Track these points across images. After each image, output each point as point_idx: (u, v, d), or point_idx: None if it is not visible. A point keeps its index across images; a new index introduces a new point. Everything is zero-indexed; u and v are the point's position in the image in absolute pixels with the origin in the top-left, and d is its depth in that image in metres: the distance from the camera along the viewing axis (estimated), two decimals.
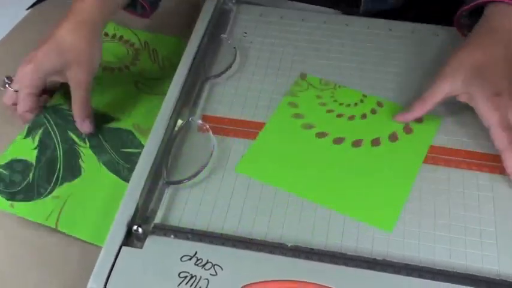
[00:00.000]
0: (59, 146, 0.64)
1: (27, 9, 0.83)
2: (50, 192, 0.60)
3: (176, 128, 0.63)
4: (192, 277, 0.51)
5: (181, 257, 0.52)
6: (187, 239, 0.54)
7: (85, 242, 0.57)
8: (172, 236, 0.54)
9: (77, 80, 0.63)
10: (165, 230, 0.54)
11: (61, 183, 0.61)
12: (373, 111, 0.65)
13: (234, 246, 0.53)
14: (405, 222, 0.56)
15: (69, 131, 0.66)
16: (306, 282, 0.51)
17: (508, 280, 0.51)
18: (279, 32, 0.75)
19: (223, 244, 0.53)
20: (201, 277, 0.51)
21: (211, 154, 0.60)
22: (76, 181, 0.62)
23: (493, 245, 0.54)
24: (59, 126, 0.66)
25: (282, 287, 0.51)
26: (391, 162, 0.60)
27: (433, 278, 0.51)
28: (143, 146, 0.60)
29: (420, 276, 0.51)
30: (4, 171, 0.61)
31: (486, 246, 0.54)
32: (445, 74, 0.61)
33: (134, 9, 0.74)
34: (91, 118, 0.65)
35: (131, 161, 0.64)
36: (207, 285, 0.50)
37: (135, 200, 0.55)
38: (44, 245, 0.58)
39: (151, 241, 0.53)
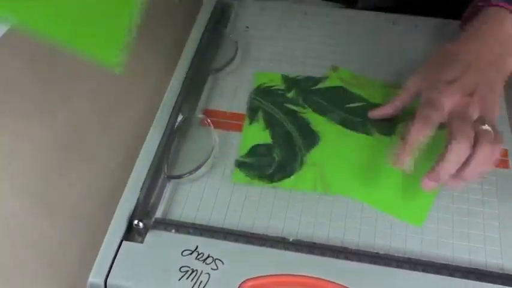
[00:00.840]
0: (285, 120, 0.64)
1: None
2: (303, 163, 0.60)
3: (177, 123, 0.63)
4: (193, 271, 0.50)
5: (182, 252, 0.52)
6: (188, 233, 0.53)
7: (86, 236, 0.57)
8: (173, 231, 0.53)
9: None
10: (166, 224, 0.54)
11: (307, 151, 0.61)
12: None
13: (235, 240, 0.53)
14: None
15: (284, 104, 0.66)
16: (307, 276, 0.51)
17: (511, 274, 0.50)
18: (280, 26, 0.75)
19: (224, 238, 0.53)
20: (202, 271, 0.50)
21: (213, 148, 0.60)
22: (320, 145, 0.62)
23: (496, 239, 0.53)
24: (273, 102, 0.66)
25: (284, 281, 0.50)
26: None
27: (436, 272, 0.51)
28: (363, 99, 0.64)
29: (423, 271, 0.51)
30: (252, 159, 0.61)
31: (489, 241, 0.53)
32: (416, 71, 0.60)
33: None
34: None
35: (360, 114, 0.64)
36: (208, 279, 0.50)
37: (135, 194, 0.55)
38: (44, 239, 0.57)
39: (152, 235, 0.53)
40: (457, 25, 0.69)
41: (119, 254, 0.52)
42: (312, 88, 0.67)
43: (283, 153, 0.61)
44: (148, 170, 0.57)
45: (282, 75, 0.69)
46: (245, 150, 0.61)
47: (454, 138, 0.51)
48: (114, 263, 0.51)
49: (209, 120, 0.62)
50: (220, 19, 0.76)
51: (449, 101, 0.54)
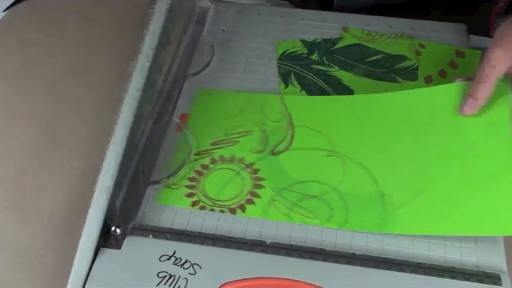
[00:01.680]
0: (317, 79, 0.65)
1: (4, 11, 0.82)
2: None
3: (154, 127, 0.63)
4: (171, 277, 0.50)
5: (160, 257, 0.52)
6: (166, 238, 0.53)
7: (63, 243, 0.57)
8: (150, 236, 0.53)
9: None
10: (143, 230, 0.54)
11: None
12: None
13: (213, 244, 0.53)
14: None
15: (311, 65, 0.69)
16: (286, 278, 0.51)
17: (486, 271, 0.51)
18: (256, 29, 0.75)
19: (202, 243, 0.53)
20: (179, 276, 0.51)
21: (190, 153, 0.60)
22: (352, 96, 0.65)
23: (471, 237, 0.54)
24: (300, 65, 0.69)
25: (262, 284, 0.51)
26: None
27: (412, 271, 0.51)
28: (380, 52, 0.69)
29: (400, 270, 0.51)
30: None
31: (464, 239, 0.54)
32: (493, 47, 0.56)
33: None
34: None
35: (382, 65, 0.68)
36: (186, 284, 0.50)
37: (106, 199, 0.53)
38: (20, 248, 0.57)
39: (129, 241, 0.53)
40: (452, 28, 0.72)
41: (97, 260, 0.52)
42: (332, 48, 0.71)
43: None
44: (126, 176, 0.57)
45: (301, 40, 0.72)
46: None
47: None
48: (92, 270, 0.51)
49: (186, 125, 0.62)
50: (196, 22, 0.76)
51: None
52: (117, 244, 0.53)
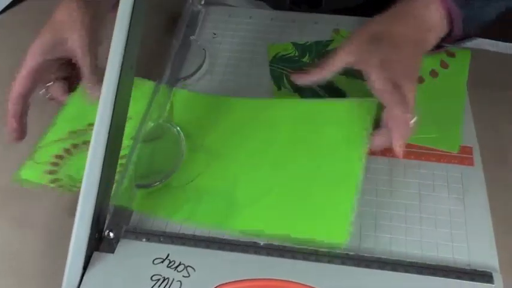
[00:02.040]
0: None
1: None
2: None
3: (147, 131, 0.63)
4: (164, 279, 0.51)
5: (154, 260, 0.52)
6: (160, 241, 0.53)
7: (56, 247, 0.57)
8: (144, 239, 0.54)
9: (75, 47, 0.62)
10: (136, 233, 0.54)
11: None
12: None
13: (206, 247, 0.53)
14: (376, 216, 0.56)
15: (303, 68, 0.70)
16: (280, 280, 0.51)
17: (478, 269, 0.51)
18: (248, 32, 0.75)
19: (195, 245, 0.53)
20: (173, 279, 0.51)
21: (182, 156, 0.60)
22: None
23: (463, 235, 0.54)
24: (292, 68, 0.70)
25: (256, 285, 0.51)
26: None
27: (405, 271, 0.51)
28: None
29: (393, 270, 0.52)
30: None
31: (456, 237, 0.54)
32: (343, 44, 0.61)
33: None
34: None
35: None
36: (180, 286, 0.50)
37: (90, 202, 0.51)
38: (14, 252, 0.57)
39: (123, 245, 0.53)
40: None
41: (90, 264, 0.52)
42: (323, 51, 0.72)
43: None
44: (120, 179, 0.57)
45: (293, 43, 0.73)
46: None
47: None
48: (86, 274, 0.51)
49: (178, 128, 0.62)
50: (187, 27, 0.76)
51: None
52: (111, 248, 0.53)
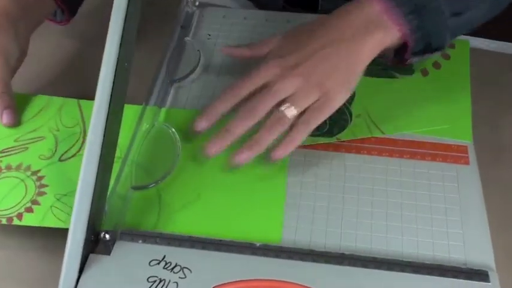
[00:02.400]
0: None
1: None
2: (351, 114, 0.64)
3: (142, 132, 0.63)
4: (161, 281, 0.50)
5: (150, 262, 0.52)
6: (156, 243, 0.53)
7: (53, 250, 0.56)
8: (140, 241, 0.53)
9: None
10: (132, 235, 0.54)
11: (349, 104, 0.65)
12: None
13: (202, 248, 0.53)
14: (372, 215, 0.56)
15: None
16: (276, 280, 0.51)
17: (474, 268, 0.52)
18: (242, 33, 0.75)
19: (191, 246, 0.53)
20: (170, 280, 0.50)
21: (178, 157, 0.60)
22: (357, 97, 0.66)
23: (458, 234, 0.54)
24: None
25: (252, 286, 0.51)
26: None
27: (401, 270, 0.51)
28: None
29: (389, 269, 0.52)
30: None
31: (452, 236, 0.54)
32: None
33: (54, 17, 0.73)
34: (13, 109, 0.62)
35: (378, 63, 0.62)
36: None
37: (86, 204, 0.51)
38: (8, 255, 0.57)
39: (119, 247, 0.53)
40: None
41: (86, 266, 0.51)
42: None
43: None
44: (114, 181, 0.57)
45: None
46: None
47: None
48: (82, 276, 0.51)
49: (173, 130, 0.62)
50: (182, 27, 0.76)
51: (266, 73, 0.57)
52: (107, 250, 0.53)
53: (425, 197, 0.57)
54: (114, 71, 0.52)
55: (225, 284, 0.51)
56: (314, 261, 0.52)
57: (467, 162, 0.60)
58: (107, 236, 0.53)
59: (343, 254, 0.53)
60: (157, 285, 0.50)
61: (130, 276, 0.51)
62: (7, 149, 0.60)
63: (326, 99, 0.56)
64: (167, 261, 0.52)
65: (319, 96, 0.56)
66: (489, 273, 0.51)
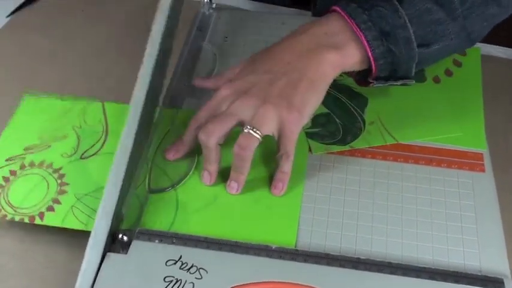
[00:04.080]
0: (330, 89, 0.59)
1: (7, 16, 0.83)
2: (365, 121, 0.65)
3: (159, 135, 0.63)
4: (177, 281, 0.51)
5: (166, 262, 0.52)
6: (172, 243, 0.54)
7: (70, 248, 0.57)
8: (156, 241, 0.54)
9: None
10: (149, 235, 0.54)
11: (362, 111, 0.66)
12: None
13: (219, 249, 0.53)
14: (388, 221, 0.56)
15: None
16: (291, 283, 0.51)
17: (489, 275, 0.52)
18: (259, 36, 0.75)
19: (208, 248, 0.53)
20: (186, 281, 0.51)
21: (195, 160, 0.60)
22: (370, 103, 0.67)
23: (474, 241, 0.55)
24: None
25: None
26: None
27: (417, 276, 0.52)
28: None
29: (404, 274, 0.52)
30: (318, 129, 0.64)
31: (467, 243, 0.54)
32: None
33: None
34: None
35: None
36: None
37: (113, 205, 0.53)
38: (26, 252, 0.57)
39: (136, 246, 0.53)
40: None
41: (103, 265, 0.52)
42: None
43: (343, 118, 0.65)
44: (131, 183, 0.57)
45: None
46: (308, 123, 0.63)
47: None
48: (98, 275, 0.51)
49: None
50: (199, 30, 0.76)
51: (219, 99, 0.58)
52: (124, 249, 0.53)
53: (440, 203, 0.58)
54: (151, 74, 0.55)
55: (240, 285, 0.51)
56: (329, 264, 0.52)
57: (482, 170, 0.60)
58: (125, 237, 0.53)
59: (358, 258, 0.53)
60: (174, 285, 0.51)
61: (147, 275, 0.51)
62: (31, 146, 0.61)
63: (289, 118, 0.55)
64: (183, 262, 0.52)
65: (279, 116, 0.55)
66: (504, 280, 0.51)
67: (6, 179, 0.58)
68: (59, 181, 0.58)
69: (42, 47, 0.78)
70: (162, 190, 0.58)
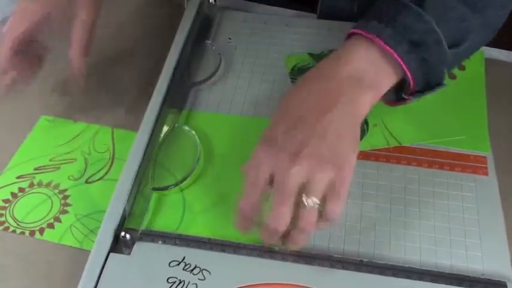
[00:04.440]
0: None
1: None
2: (368, 124, 0.65)
3: (162, 134, 0.63)
4: (180, 282, 0.51)
5: (170, 263, 0.52)
6: (175, 244, 0.54)
7: (72, 249, 0.57)
8: (160, 242, 0.54)
9: (81, 19, 0.61)
10: (152, 235, 0.54)
11: None
12: None
13: (222, 250, 0.53)
14: (391, 223, 0.56)
15: None
16: (294, 284, 0.51)
17: (492, 279, 0.52)
18: (262, 37, 0.75)
19: (211, 249, 0.54)
20: (189, 282, 0.51)
21: (198, 160, 0.60)
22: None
23: (477, 244, 0.55)
24: None
25: None
26: None
27: (419, 278, 0.52)
28: None
29: (407, 277, 0.52)
30: None
31: (470, 246, 0.55)
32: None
33: None
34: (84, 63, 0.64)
35: None
36: None
37: (121, 206, 0.55)
38: (28, 253, 0.57)
39: (139, 247, 0.54)
40: None
41: (106, 266, 0.52)
42: None
43: None
44: (134, 182, 0.57)
45: (309, 54, 0.73)
46: None
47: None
48: (102, 275, 0.51)
49: (194, 132, 0.63)
50: (202, 31, 0.76)
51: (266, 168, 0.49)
52: (127, 250, 0.53)
53: (443, 206, 0.58)
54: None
55: (243, 287, 0.51)
56: (332, 266, 0.53)
57: (486, 173, 0.60)
58: (127, 236, 0.53)
59: (361, 260, 0.53)
60: (177, 286, 0.51)
61: (150, 276, 0.51)
62: (42, 167, 0.63)
63: (339, 172, 0.49)
64: (187, 263, 0.52)
65: (333, 171, 0.49)
66: (507, 283, 0.51)
67: (14, 195, 0.61)
68: (62, 201, 0.60)
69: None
70: (165, 188, 0.58)
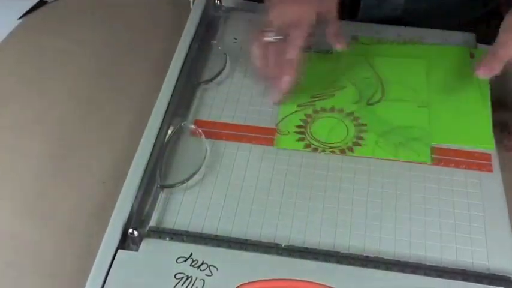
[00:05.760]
0: None
1: (19, 18, 0.84)
2: None
3: (169, 133, 0.64)
4: (188, 278, 0.51)
5: (177, 259, 0.53)
6: (183, 241, 0.54)
7: (81, 246, 0.58)
8: (167, 239, 0.54)
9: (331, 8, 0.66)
10: (160, 232, 0.55)
11: None
12: None
13: (228, 247, 0.54)
14: (396, 219, 0.57)
15: None
16: (300, 280, 0.52)
17: (497, 274, 0.52)
18: None
19: (218, 245, 0.54)
20: (196, 278, 0.51)
21: (205, 158, 0.61)
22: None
23: (482, 240, 0.55)
24: None
25: (277, 286, 0.52)
26: None
27: (425, 274, 0.52)
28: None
29: (412, 272, 0.52)
30: None
31: (475, 242, 0.55)
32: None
33: None
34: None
35: None
36: (203, 285, 0.51)
37: (129, 203, 0.55)
38: (37, 250, 0.58)
39: (147, 244, 0.54)
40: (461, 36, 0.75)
41: (115, 262, 0.52)
42: None
43: None
44: (142, 180, 0.58)
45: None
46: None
47: None
48: (110, 272, 0.52)
49: (200, 130, 0.63)
50: (208, 31, 0.77)
51: None
52: (135, 246, 0.54)
53: (448, 203, 0.58)
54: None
55: (250, 282, 0.51)
56: (338, 262, 0.53)
57: (490, 170, 0.60)
58: (135, 232, 0.54)
59: (367, 256, 0.53)
60: (184, 282, 0.51)
61: (158, 272, 0.52)
62: (317, 95, 0.68)
63: None
64: (194, 259, 0.53)
65: None
66: None
67: (304, 121, 0.66)
68: (354, 122, 0.65)
69: (55, 48, 0.79)
70: (173, 185, 0.59)
